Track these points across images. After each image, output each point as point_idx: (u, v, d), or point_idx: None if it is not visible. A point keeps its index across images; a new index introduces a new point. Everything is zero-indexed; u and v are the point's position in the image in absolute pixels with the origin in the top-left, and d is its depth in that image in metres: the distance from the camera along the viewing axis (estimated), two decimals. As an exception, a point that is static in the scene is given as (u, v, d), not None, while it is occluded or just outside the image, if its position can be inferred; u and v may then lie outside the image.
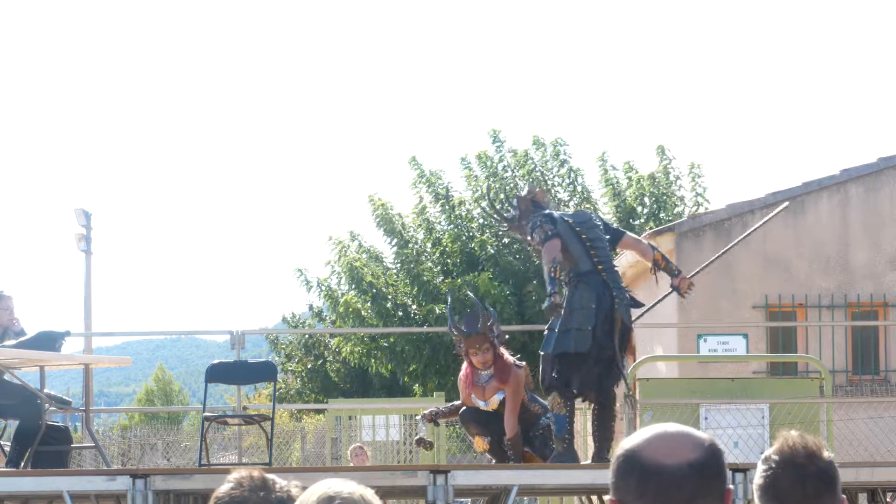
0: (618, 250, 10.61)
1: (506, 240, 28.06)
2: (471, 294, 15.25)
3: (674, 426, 2.71)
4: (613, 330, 9.89)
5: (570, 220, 10.17)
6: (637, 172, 29.89)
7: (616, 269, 10.24)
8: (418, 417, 11.44)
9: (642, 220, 29.00)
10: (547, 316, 9.99)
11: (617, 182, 29.76)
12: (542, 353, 10.04)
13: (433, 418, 11.00)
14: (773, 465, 3.14)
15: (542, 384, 10.07)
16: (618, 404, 10.99)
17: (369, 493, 2.88)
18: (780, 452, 3.14)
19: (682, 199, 29.85)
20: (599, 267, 9.98)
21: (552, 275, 9.81)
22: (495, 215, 11.10)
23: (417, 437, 11.18)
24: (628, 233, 10.66)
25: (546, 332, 10.06)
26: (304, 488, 2.91)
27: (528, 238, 10.24)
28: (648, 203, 29.64)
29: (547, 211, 10.26)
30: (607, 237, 10.20)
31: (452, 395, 20.81)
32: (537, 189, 10.77)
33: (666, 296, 10.90)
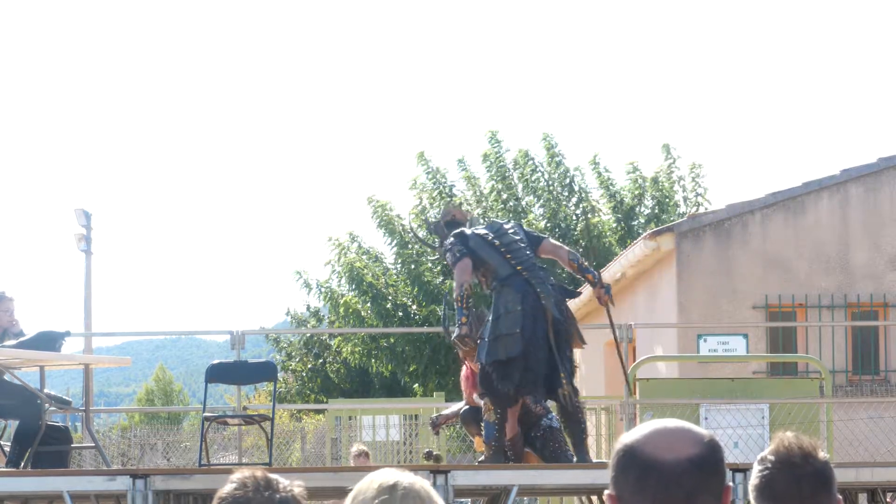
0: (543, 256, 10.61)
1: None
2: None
3: (673, 422, 2.71)
4: (547, 326, 9.90)
5: (483, 232, 10.28)
6: (639, 172, 29.84)
7: (538, 267, 10.22)
8: (429, 426, 11.43)
9: (643, 221, 28.98)
10: (455, 344, 10.11)
11: (612, 183, 29.72)
12: (478, 362, 10.07)
13: (438, 426, 11.01)
14: (769, 466, 3.15)
15: (479, 392, 10.10)
16: (618, 404, 10.97)
17: (427, 484, 3.00)
18: (775, 453, 3.16)
19: (684, 199, 29.80)
20: (519, 268, 10.04)
21: (459, 304, 9.96)
22: (425, 246, 11.19)
23: (426, 450, 11.18)
24: (549, 238, 10.71)
25: (478, 342, 10.12)
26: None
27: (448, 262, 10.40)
28: (650, 205, 29.60)
29: (458, 230, 10.33)
30: (519, 238, 10.21)
31: (453, 395, 20.83)
32: (454, 209, 10.88)
33: (610, 319, 10.90)
